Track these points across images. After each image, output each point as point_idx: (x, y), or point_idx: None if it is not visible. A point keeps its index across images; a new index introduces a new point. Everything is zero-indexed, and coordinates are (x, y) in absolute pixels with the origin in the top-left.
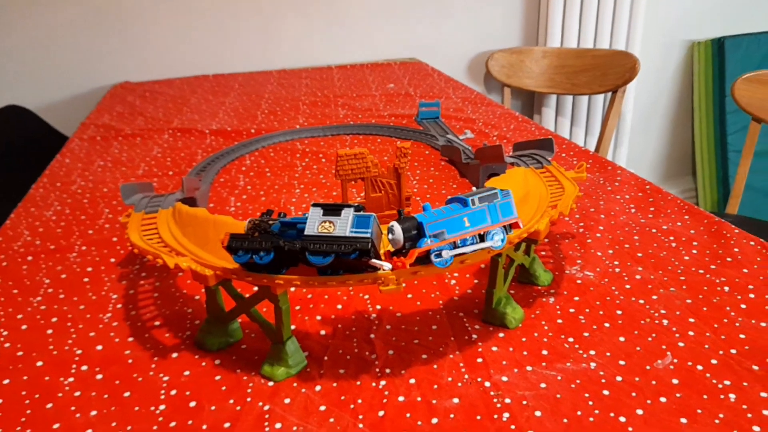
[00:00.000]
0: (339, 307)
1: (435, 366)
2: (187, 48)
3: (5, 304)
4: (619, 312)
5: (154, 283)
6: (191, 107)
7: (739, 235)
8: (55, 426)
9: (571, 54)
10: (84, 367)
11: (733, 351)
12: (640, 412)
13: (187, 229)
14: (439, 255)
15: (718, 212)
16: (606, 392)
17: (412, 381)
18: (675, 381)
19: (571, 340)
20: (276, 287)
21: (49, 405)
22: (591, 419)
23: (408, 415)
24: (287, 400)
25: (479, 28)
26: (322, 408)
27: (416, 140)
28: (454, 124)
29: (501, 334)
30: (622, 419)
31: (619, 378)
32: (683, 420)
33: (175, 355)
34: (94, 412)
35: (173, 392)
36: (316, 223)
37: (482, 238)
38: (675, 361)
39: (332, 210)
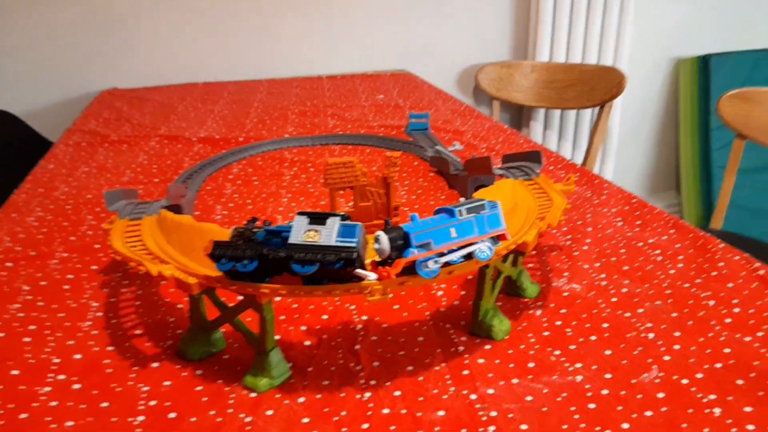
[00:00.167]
0: (324, 317)
1: (421, 378)
2: (177, 55)
3: None
4: (605, 325)
5: (136, 292)
6: (179, 114)
7: (724, 250)
8: None
9: (559, 69)
10: (61, 377)
11: (718, 365)
12: (626, 425)
13: (171, 236)
14: (425, 265)
15: (703, 227)
16: (592, 405)
17: (398, 393)
18: (661, 395)
19: (557, 352)
20: (261, 296)
21: (24, 415)
22: None
23: (393, 428)
24: (269, 412)
25: (469, 41)
26: (305, 420)
27: (405, 151)
28: (443, 135)
29: (488, 346)
30: None
31: (605, 391)
32: None
33: (155, 364)
34: (70, 423)
35: (153, 403)
36: (301, 232)
37: (469, 250)
38: (661, 374)
39: (318, 219)
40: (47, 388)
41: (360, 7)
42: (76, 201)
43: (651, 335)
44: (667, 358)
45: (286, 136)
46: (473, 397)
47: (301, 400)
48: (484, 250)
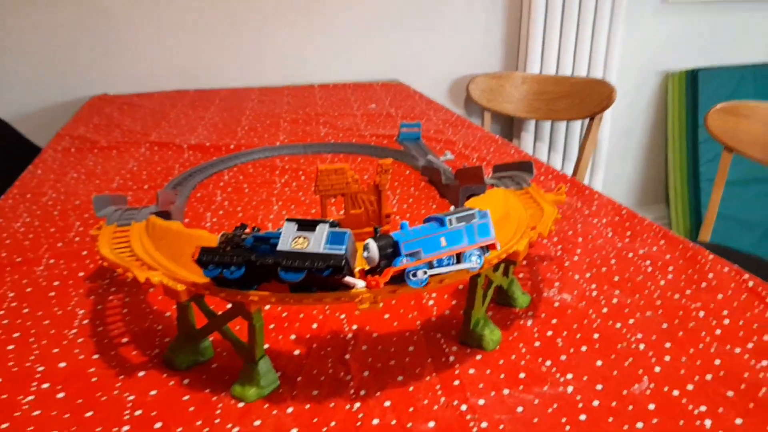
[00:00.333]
0: (314, 326)
1: (411, 388)
2: (169, 62)
3: None
4: (596, 335)
5: (123, 299)
6: (170, 121)
7: (713, 261)
8: None
9: (550, 80)
10: (45, 385)
11: (709, 376)
12: None
13: (160, 242)
14: (414, 274)
15: (691, 240)
16: (583, 417)
17: (388, 403)
18: (651, 406)
19: (548, 363)
20: (250, 304)
21: (5, 425)
22: None
23: None
24: (257, 422)
25: (461, 52)
26: (294, 431)
27: (397, 160)
28: (434, 145)
29: (478, 356)
30: None
31: (596, 402)
32: None
33: (142, 373)
34: None
35: (138, 412)
36: (289, 239)
37: (459, 258)
38: (651, 386)
39: (307, 225)
40: (30, 397)
41: (353, 17)
42: (63, 207)
43: (641, 346)
44: (657, 369)
45: (278, 143)
46: (464, 407)
47: (289, 410)
48: (474, 259)
